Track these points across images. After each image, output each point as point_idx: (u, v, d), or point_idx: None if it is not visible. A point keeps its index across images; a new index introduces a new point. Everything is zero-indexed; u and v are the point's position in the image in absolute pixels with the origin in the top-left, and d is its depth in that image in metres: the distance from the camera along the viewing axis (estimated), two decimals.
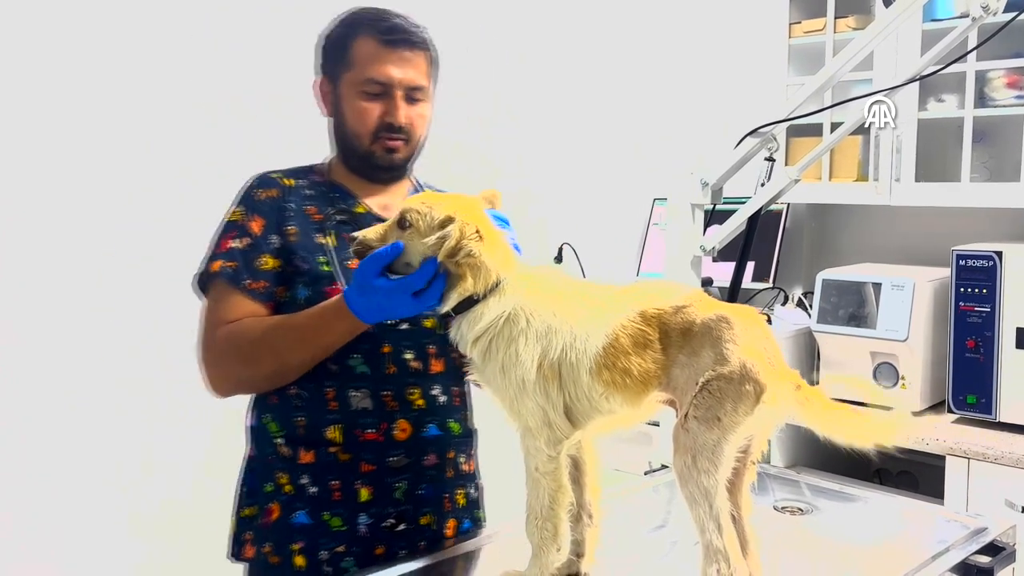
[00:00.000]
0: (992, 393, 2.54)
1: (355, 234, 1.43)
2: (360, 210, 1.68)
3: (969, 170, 2.74)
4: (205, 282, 1.63)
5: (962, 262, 2.57)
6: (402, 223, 1.37)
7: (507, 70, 3.27)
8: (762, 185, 2.00)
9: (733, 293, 2.05)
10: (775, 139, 1.95)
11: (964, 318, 2.58)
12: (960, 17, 1.93)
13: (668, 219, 2.08)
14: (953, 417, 2.63)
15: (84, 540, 2.41)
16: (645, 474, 1.99)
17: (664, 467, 1.98)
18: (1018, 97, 2.71)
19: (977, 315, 2.55)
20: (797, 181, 1.98)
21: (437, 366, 1.66)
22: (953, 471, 2.46)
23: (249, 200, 1.66)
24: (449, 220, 1.33)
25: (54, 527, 2.37)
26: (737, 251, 2.04)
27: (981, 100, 2.76)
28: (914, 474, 2.97)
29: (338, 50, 1.66)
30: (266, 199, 1.65)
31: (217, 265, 1.60)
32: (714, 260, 2.05)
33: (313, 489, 1.60)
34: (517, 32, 3.29)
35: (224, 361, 1.59)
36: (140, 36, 2.45)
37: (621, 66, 3.60)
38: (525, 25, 3.31)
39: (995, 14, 1.87)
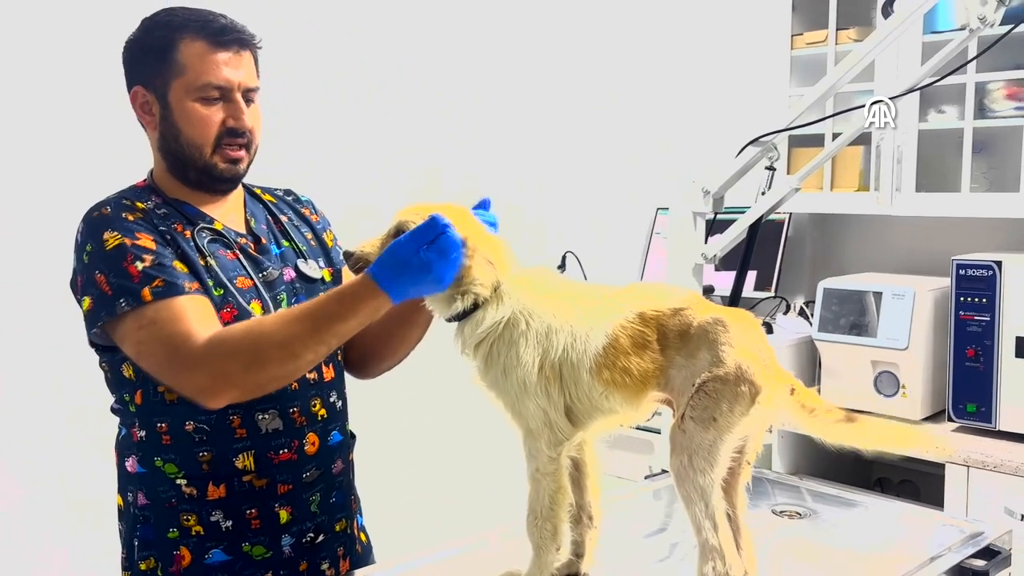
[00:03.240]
0: (992, 402, 2.55)
1: (351, 249, 1.40)
2: (218, 226, 1.59)
3: (969, 180, 2.76)
4: (113, 320, 1.44)
5: (962, 271, 2.59)
6: (399, 234, 1.38)
7: (511, 78, 3.29)
8: (763, 194, 2.03)
9: (734, 301, 2.07)
10: (775, 148, 1.97)
11: (964, 327, 2.59)
12: (959, 29, 1.96)
13: (670, 227, 2.11)
14: (953, 425, 2.64)
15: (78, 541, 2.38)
16: (645, 478, 2.01)
17: (664, 471, 2.00)
18: (1017, 108, 2.73)
19: (977, 324, 2.57)
20: (797, 190, 2.01)
21: (329, 373, 1.64)
22: (953, 479, 2.48)
23: (120, 224, 1.48)
24: None
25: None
26: (739, 260, 2.07)
27: (981, 111, 2.78)
28: (915, 482, 2.99)
29: (159, 56, 1.52)
30: (139, 219, 1.50)
31: (147, 294, 1.42)
32: (716, 268, 2.08)
33: (228, 523, 1.54)
34: (522, 40, 3.32)
35: (220, 366, 1.40)
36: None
37: (625, 75, 3.63)
38: (529, 34, 3.34)
39: (992, 25, 1.90)
